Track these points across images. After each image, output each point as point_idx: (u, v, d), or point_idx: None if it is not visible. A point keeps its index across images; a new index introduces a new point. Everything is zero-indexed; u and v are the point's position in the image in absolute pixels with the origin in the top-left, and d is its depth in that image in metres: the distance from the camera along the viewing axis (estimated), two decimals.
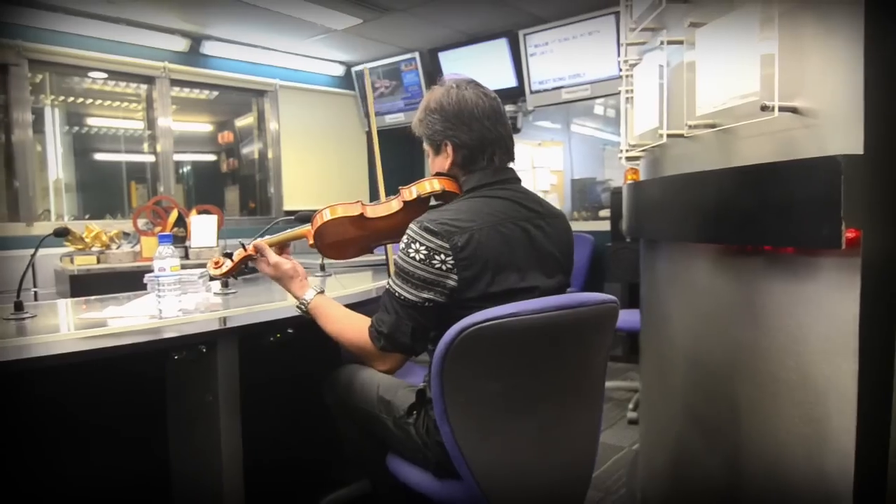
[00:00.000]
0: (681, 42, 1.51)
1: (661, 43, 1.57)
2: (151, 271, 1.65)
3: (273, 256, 1.53)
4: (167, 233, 2.31)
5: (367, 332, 1.33)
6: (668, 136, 1.50)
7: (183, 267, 2.06)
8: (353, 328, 1.38)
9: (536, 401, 1.27)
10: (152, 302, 1.69)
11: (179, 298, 1.66)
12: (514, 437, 1.26)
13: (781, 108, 1.14)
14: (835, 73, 1.09)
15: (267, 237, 1.60)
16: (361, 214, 1.48)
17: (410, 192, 1.45)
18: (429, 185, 1.43)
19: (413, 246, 1.25)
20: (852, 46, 1.05)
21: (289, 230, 1.62)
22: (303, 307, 1.48)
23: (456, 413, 1.18)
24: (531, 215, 1.37)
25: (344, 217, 1.49)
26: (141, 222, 4.02)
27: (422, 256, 1.24)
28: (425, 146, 1.46)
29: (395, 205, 1.47)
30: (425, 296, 1.26)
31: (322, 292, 1.51)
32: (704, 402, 1.57)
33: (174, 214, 4.04)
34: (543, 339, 1.22)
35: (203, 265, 2.58)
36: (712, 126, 1.38)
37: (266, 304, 1.86)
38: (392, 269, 1.75)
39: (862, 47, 1.03)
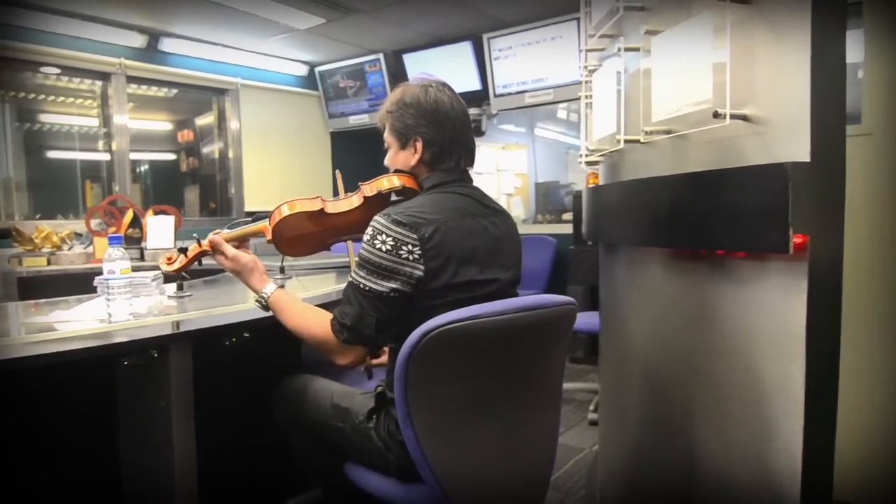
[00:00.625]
0: (637, 49, 1.54)
1: (619, 50, 1.59)
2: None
3: (231, 250, 1.49)
4: (119, 234, 2.25)
5: (330, 326, 1.32)
6: (626, 141, 1.52)
7: (138, 269, 2.01)
8: (315, 321, 1.36)
9: (498, 402, 1.28)
10: (102, 305, 1.63)
11: (130, 302, 1.61)
12: (476, 439, 1.27)
13: (733, 116, 1.16)
14: (783, 83, 1.12)
15: (224, 232, 1.55)
16: (321, 210, 1.46)
17: (371, 187, 1.45)
18: (388, 181, 1.43)
19: (380, 237, 1.26)
20: (800, 56, 1.07)
21: (247, 226, 1.58)
22: (262, 301, 1.44)
23: (419, 416, 1.18)
24: (488, 212, 1.41)
25: (303, 212, 1.47)
26: (94, 222, 3.90)
27: (388, 247, 1.25)
28: (389, 139, 1.45)
29: (355, 200, 1.46)
30: (391, 285, 1.26)
31: (282, 286, 1.48)
32: (660, 404, 1.59)
33: (129, 215, 3.93)
34: (505, 340, 1.23)
35: (159, 268, 2.52)
36: (667, 132, 1.40)
37: (222, 308, 1.82)
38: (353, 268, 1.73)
39: (809, 58, 1.06)
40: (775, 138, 1.13)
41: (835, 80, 1.10)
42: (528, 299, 1.24)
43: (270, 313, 1.46)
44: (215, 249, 1.50)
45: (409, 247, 1.25)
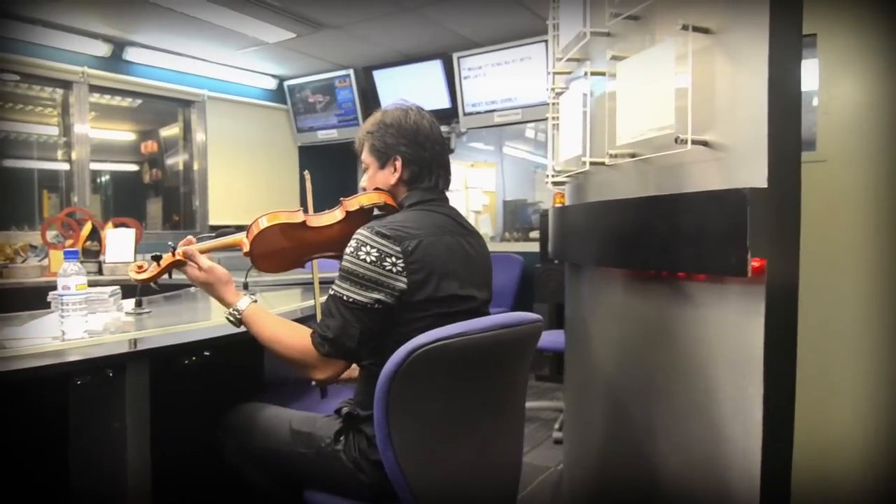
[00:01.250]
0: (603, 73, 1.57)
1: (585, 73, 1.62)
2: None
3: (206, 261, 1.44)
4: (76, 248, 2.18)
5: (309, 339, 1.29)
6: (591, 163, 1.54)
7: (96, 284, 1.95)
8: (293, 334, 1.33)
9: (475, 418, 1.29)
10: (55, 322, 1.58)
11: (86, 318, 1.56)
12: (454, 456, 1.26)
13: (694, 142, 1.19)
14: (742, 110, 1.15)
15: (197, 244, 1.49)
16: (303, 222, 1.44)
17: (353, 202, 1.44)
18: (370, 197, 1.44)
19: (364, 248, 1.27)
20: (757, 85, 1.11)
21: (222, 238, 1.52)
22: (235, 315, 1.40)
23: (400, 436, 1.16)
24: (464, 231, 1.43)
25: (285, 224, 1.43)
26: (50, 234, 3.79)
27: (373, 258, 1.26)
28: (368, 159, 1.46)
29: (337, 214, 1.45)
30: (375, 296, 1.26)
31: (255, 301, 1.44)
32: (623, 423, 1.60)
33: (87, 227, 3.83)
34: (485, 357, 1.25)
35: (117, 282, 2.45)
36: (632, 155, 1.43)
37: (183, 325, 1.78)
38: (318, 286, 1.70)
39: (766, 86, 1.10)
40: (735, 164, 1.16)
41: (791, 108, 1.14)
42: (505, 316, 1.26)
43: (242, 329, 1.42)
44: (189, 260, 1.44)
45: (393, 259, 1.26)
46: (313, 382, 1.61)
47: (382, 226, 1.29)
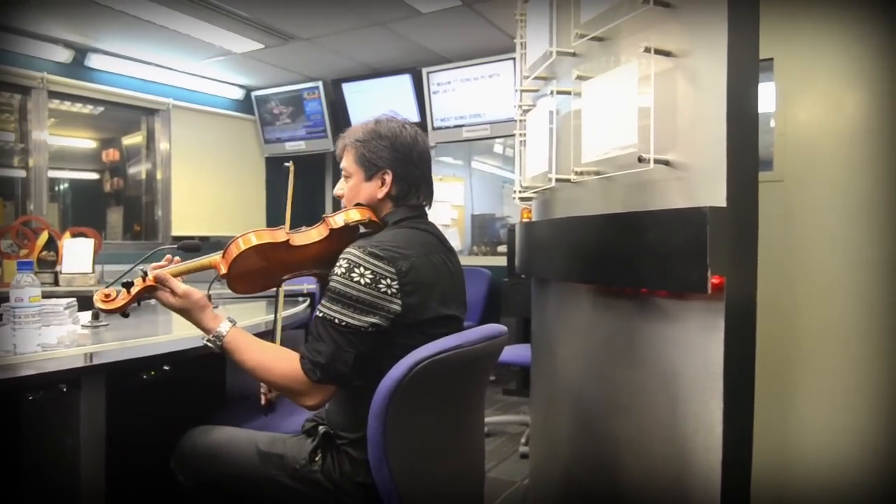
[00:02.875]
0: (569, 92, 1.60)
1: (552, 92, 1.65)
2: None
3: (180, 286, 1.33)
4: (31, 258, 2.11)
5: (299, 364, 1.23)
6: (557, 180, 1.56)
7: (51, 295, 1.89)
8: (281, 361, 1.27)
9: (456, 429, 1.31)
10: (7, 335, 1.52)
11: (39, 332, 1.51)
12: (440, 468, 1.27)
13: (656, 161, 1.22)
14: (702, 131, 1.18)
15: (169, 267, 1.38)
16: (286, 242, 1.35)
17: (336, 220, 1.37)
18: (356, 213, 1.38)
19: (357, 270, 1.22)
20: (717, 107, 1.14)
21: (196, 259, 1.41)
22: (217, 341, 1.30)
23: (397, 454, 1.15)
24: (445, 249, 1.41)
25: (268, 244, 1.34)
26: (4, 244, 3.66)
27: (367, 280, 1.21)
28: (352, 168, 1.39)
29: (322, 231, 1.38)
30: (370, 320, 1.21)
31: (235, 324, 1.35)
32: (588, 437, 1.62)
33: (44, 236, 3.71)
34: (472, 368, 1.28)
35: (74, 294, 2.37)
36: (597, 173, 1.45)
37: (142, 339, 1.73)
38: (281, 304, 1.66)
39: (725, 108, 1.13)
40: (695, 183, 1.19)
41: (748, 129, 1.18)
42: (487, 328, 1.28)
43: (219, 352, 1.33)
44: (162, 285, 1.33)
45: (388, 280, 1.22)
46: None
47: (374, 246, 1.24)
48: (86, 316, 1.94)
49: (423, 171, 1.41)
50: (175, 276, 1.36)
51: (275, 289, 1.57)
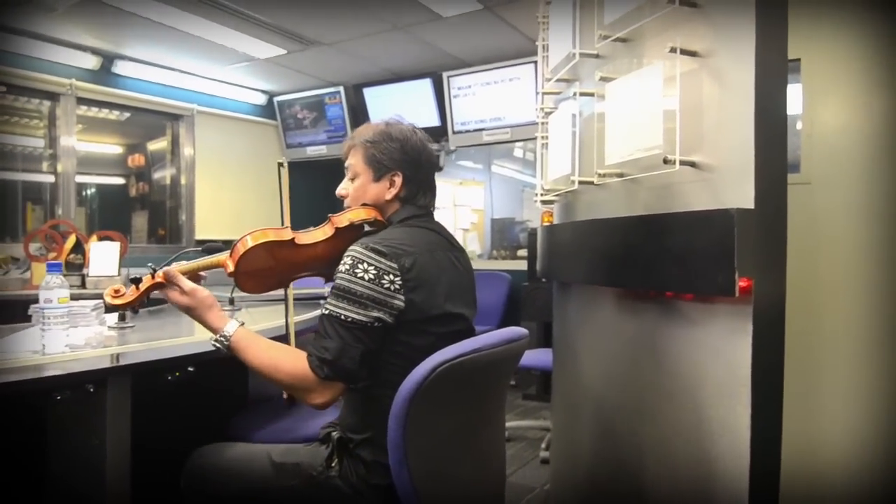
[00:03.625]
0: (592, 94, 1.59)
1: (574, 94, 1.64)
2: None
3: (188, 283, 1.35)
4: (59, 260, 2.15)
5: (306, 362, 1.23)
6: (580, 182, 1.55)
7: (79, 297, 1.92)
8: (287, 359, 1.27)
9: (476, 433, 1.29)
10: (36, 336, 1.55)
11: (67, 333, 1.53)
12: (461, 473, 1.26)
13: (682, 162, 1.20)
14: (729, 132, 1.17)
15: (178, 264, 1.41)
16: (292, 240, 1.37)
17: (341, 219, 1.39)
18: (361, 213, 1.39)
19: (361, 266, 1.23)
20: (744, 108, 1.13)
21: (205, 258, 1.43)
22: (223, 341, 1.31)
23: (416, 455, 1.14)
24: (451, 248, 1.41)
25: (273, 242, 1.36)
26: (33, 247, 3.74)
27: (371, 276, 1.22)
28: (360, 168, 1.40)
29: (327, 230, 1.39)
30: (375, 315, 1.22)
31: (243, 324, 1.36)
32: (611, 442, 1.60)
33: (71, 240, 3.78)
34: (489, 371, 1.26)
35: (101, 295, 2.41)
36: (620, 175, 1.44)
37: (166, 340, 1.75)
38: (291, 307, 1.66)
39: (753, 109, 1.11)
40: (722, 185, 1.17)
41: (777, 131, 1.16)
42: (509, 331, 1.27)
43: (227, 353, 1.33)
44: (170, 282, 1.35)
45: (391, 276, 1.23)
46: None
47: (377, 242, 1.26)
48: (112, 318, 1.97)
49: (429, 175, 1.44)
50: (185, 273, 1.37)
51: (284, 290, 1.59)
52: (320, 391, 1.24)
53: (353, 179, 1.43)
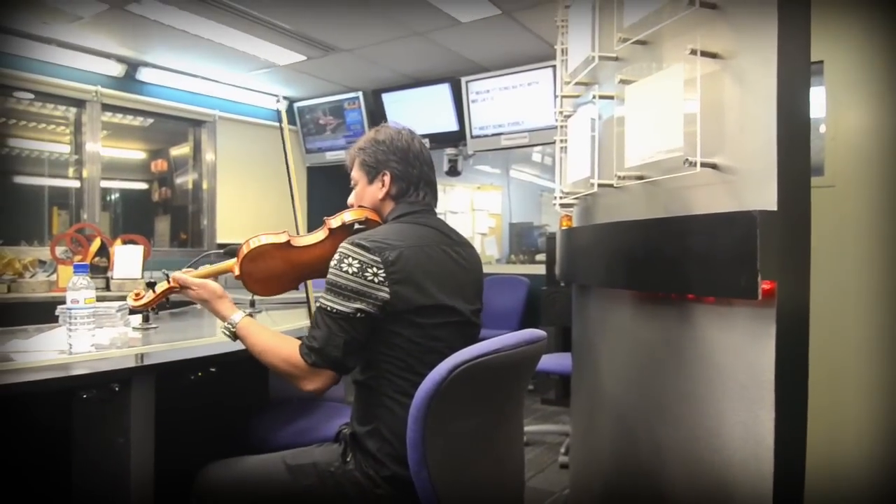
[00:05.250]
0: (612, 97, 1.58)
1: (594, 97, 1.64)
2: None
3: (196, 280, 1.48)
4: (85, 262, 2.19)
5: (297, 350, 1.31)
6: (599, 185, 1.55)
7: (103, 299, 1.95)
8: (283, 347, 1.35)
9: (493, 434, 1.30)
10: (63, 336, 1.58)
11: (93, 333, 1.56)
12: (478, 473, 1.27)
13: (703, 164, 1.20)
14: (751, 134, 1.16)
15: (191, 272, 1.53)
16: (287, 242, 1.47)
17: (333, 221, 1.48)
18: (352, 213, 1.48)
19: (346, 261, 1.29)
20: (767, 110, 1.12)
21: (216, 264, 1.56)
22: (230, 328, 1.42)
23: (435, 455, 1.15)
24: (451, 242, 1.44)
25: (269, 245, 1.46)
26: (59, 250, 3.81)
27: (354, 269, 1.28)
28: (357, 175, 1.50)
29: (321, 234, 1.48)
30: (357, 306, 1.28)
31: (250, 315, 1.46)
32: (631, 447, 1.58)
33: (96, 243, 3.85)
34: (507, 372, 1.27)
35: (125, 297, 2.45)
36: (640, 178, 1.44)
37: (189, 341, 1.78)
38: (312, 306, 1.70)
39: (775, 111, 1.10)
40: (743, 187, 1.16)
41: (800, 132, 1.15)
42: (528, 333, 1.28)
43: (238, 342, 1.42)
44: (181, 286, 1.49)
45: (374, 269, 1.28)
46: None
47: (363, 238, 1.32)
48: (136, 319, 2.00)
49: (422, 171, 1.47)
50: (196, 278, 1.50)
51: (305, 292, 1.63)
52: (310, 378, 1.31)
53: (355, 187, 1.51)
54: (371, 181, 1.47)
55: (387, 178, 1.44)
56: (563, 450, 3.16)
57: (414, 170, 1.45)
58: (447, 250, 1.41)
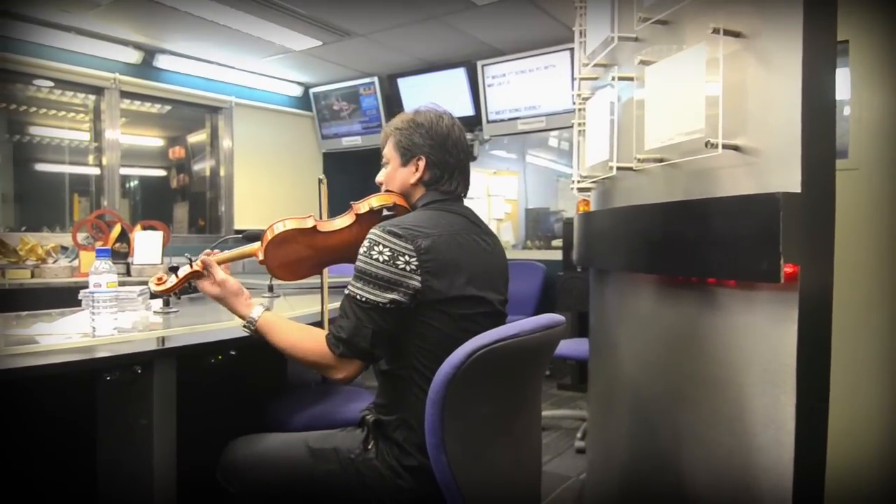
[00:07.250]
0: (631, 79, 1.56)
1: (613, 79, 1.61)
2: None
3: (221, 273, 1.44)
4: (107, 247, 2.22)
5: (325, 341, 1.29)
6: (618, 168, 1.53)
7: (124, 284, 1.98)
8: (309, 338, 1.33)
9: (512, 418, 1.30)
10: (86, 319, 1.61)
11: (115, 316, 1.59)
12: (497, 458, 1.27)
13: (725, 146, 1.18)
14: (774, 115, 1.13)
15: (217, 254, 1.50)
16: (314, 227, 1.43)
17: (362, 205, 1.43)
18: (380, 199, 1.44)
19: (376, 248, 1.26)
20: (791, 90, 1.09)
21: (239, 248, 1.52)
22: (251, 326, 1.39)
23: (453, 439, 1.15)
24: (479, 230, 1.41)
25: (295, 230, 1.43)
26: (81, 236, 3.86)
27: (385, 257, 1.25)
28: (390, 154, 1.45)
29: (347, 219, 1.45)
30: (390, 296, 1.25)
31: (268, 309, 1.43)
32: (649, 432, 1.58)
33: (117, 229, 3.90)
34: (529, 357, 1.26)
35: (145, 282, 2.49)
36: (660, 160, 1.42)
37: (209, 325, 1.80)
38: (326, 293, 1.70)
39: (800, 92, 1.08)
40: (766, 169, 1.14)
41: (825, 114, 1.12)
42: (547, 318, 1.27)
43: (258, 338, 1.40)
44: (207, 270, 1.44)
45: (406, 257, 1.25)
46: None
47: (394, 225, 1.28)
48: (157, 303, 2.03)
49: (458, 160, 1.43)
50: (221, 262, 1.47)
51: (320, 277, 1.63)
52: (338, 367, 1.29)
53: (385, 166, 1.47)
54: (404, 164, 1.42)
55: (421, 164, 1.40)
56: (579, 434, 3.17)
57: (451, 158, 1.41)
58: (477, 239, 1.38)
